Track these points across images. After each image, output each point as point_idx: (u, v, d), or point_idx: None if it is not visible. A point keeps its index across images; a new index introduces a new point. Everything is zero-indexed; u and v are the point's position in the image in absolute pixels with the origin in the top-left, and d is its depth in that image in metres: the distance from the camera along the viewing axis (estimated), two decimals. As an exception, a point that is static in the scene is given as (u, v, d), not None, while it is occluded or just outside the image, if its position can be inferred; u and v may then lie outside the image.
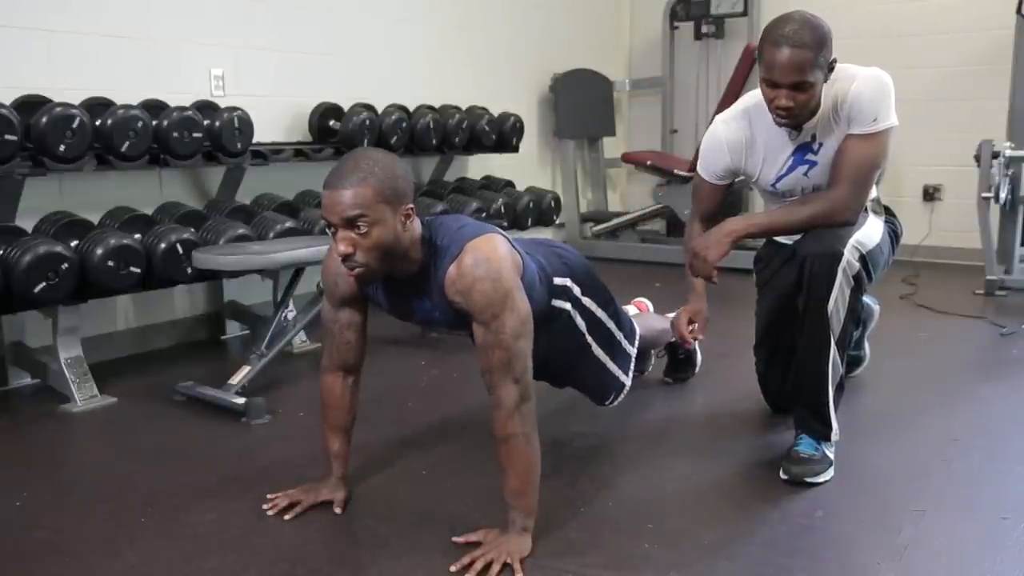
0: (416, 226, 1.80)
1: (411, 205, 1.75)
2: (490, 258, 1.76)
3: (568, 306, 2.12)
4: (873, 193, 2.33)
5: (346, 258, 1.72)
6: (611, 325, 2.27)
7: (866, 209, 2.27)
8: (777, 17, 2.09)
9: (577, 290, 2.14)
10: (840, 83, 2.13)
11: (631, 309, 2.90)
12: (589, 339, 2.20)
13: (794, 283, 2.19)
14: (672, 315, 2.81)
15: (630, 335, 2.36)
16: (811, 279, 2.11)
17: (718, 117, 2.40)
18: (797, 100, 2.06)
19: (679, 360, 2.91)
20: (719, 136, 2.33)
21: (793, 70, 2.01)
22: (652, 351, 2.88)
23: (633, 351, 2.37)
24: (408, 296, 1.90)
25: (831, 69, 2.08)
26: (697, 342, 2.90)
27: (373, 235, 1.70)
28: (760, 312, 2.57)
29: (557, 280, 2.08)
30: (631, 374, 2.37)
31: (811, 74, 2.02)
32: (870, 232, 2.22)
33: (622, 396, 2.37)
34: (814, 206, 2.17)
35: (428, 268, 1.82)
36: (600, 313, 2.22)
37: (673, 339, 2.80)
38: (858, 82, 2.12)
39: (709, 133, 2.39)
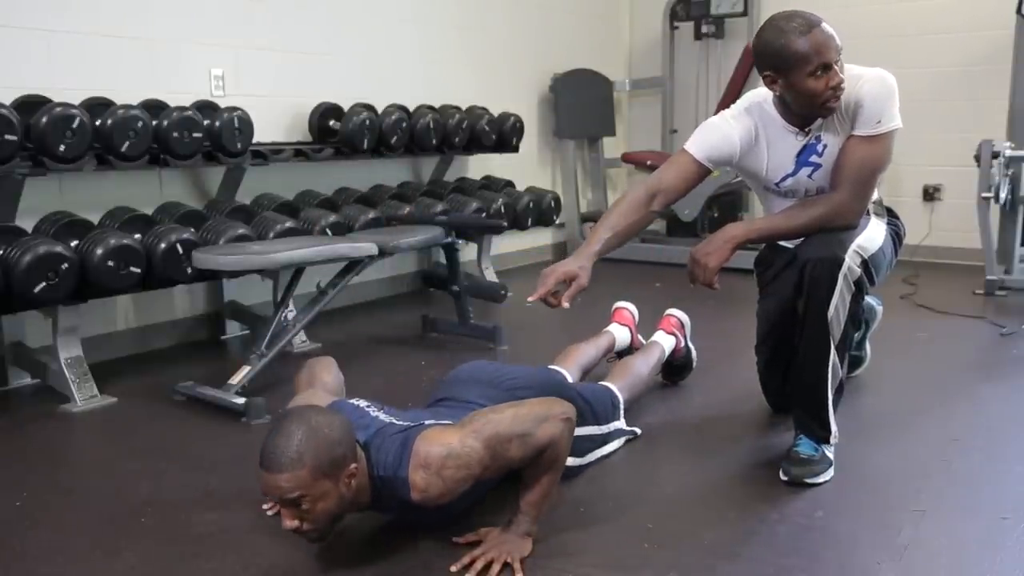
0: (362, 474, 1.71)
1: (354, 465, 1.67)
2: (428, 454, 1.68)
3: None
4: (875, 195, 2.32)
5: (295, 531, 1.66)
6: (590, 431, 2.23)
7: (868, 211, 2.25)
8: (771, 23, 2.08)
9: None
10: (845, 83, 2.12)
11: (613, 327, 2.89)
12: (572, 461, 2.10)
13: (795, 286, 2.18)
14: (656, 336, 2.80)
15: (612, 413, 2.36)
16: (811, 284, 2.10)
17: (722, 112, 2.34)
18: (841, 76, 2.06)
19: (674, 365, 2.90)
20: (732, 124, 2.26)
21: (835, 40, 2.03)
22: None
23: (620, 422, 2.39)
24: (371, 508, 1.83)
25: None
26: (690, 343, 2.91)
27: (317, 509, 1.64)
28: (761, 314, 2.56)
29: None
30: (626, 430, 2.40)
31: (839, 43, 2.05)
32: (872, 236, 2.21)
33: (637, 437, 2.43)
34: (815, 210, 2.15)
35: (379, 498, 1.75)
36: (580, 431, 2.06)
37: (666, 357, 2.79)
38: (864, 82, 2.11)
39: (719, 118, 2.31)
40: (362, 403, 1.90)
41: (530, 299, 2.06)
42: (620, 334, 2.88)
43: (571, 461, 2.13)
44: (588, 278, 2.09)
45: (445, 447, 1.68)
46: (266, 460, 1.60)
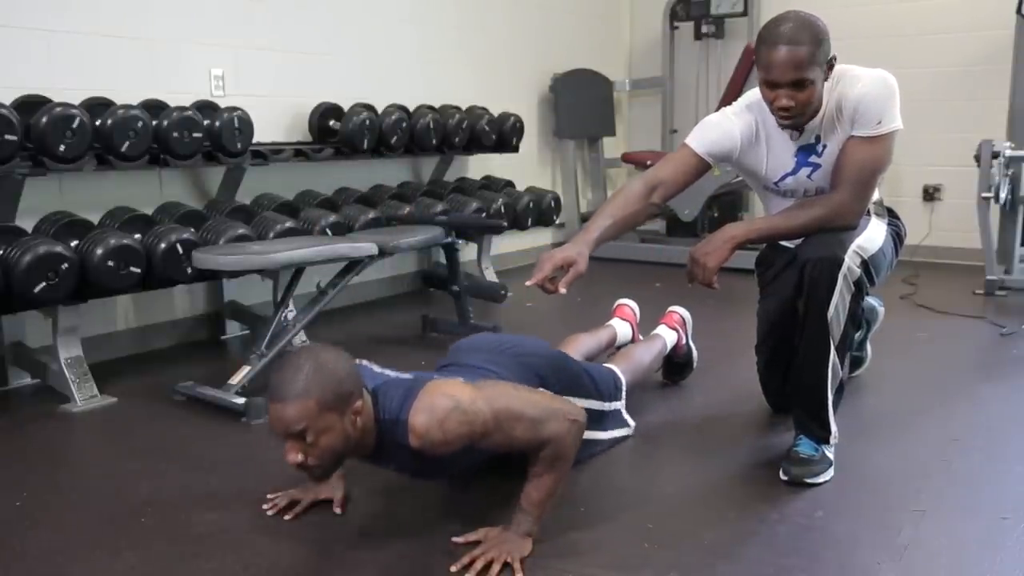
0: (368, 414, 1.74)
1: (359, 402, 1.69)
2: (434, 401, 1.70)
3: None
4: (875, 195, 2.32)
5: (298, 466, 1.68)
6: (592, 404, 2.24)
7: (868, 211, 2.25)
8: (772, 18, 2.08)
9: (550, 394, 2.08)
10: (845, 84, 2.11)
11: (615, 322, 2.90)
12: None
13: (795, 287, 2.18)
14: (659, 330, 2.81)
15: (615, 393, 2.37)
16: (811, 284, 2.10)
17: (724, 109, 2.34)
18: (797, 99, 2.04)
19: (675, 364, 2.90)
20: (734, 120, 2.27)
21: (791, 68, 2.00)
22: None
23: (622, 403, 2.39)
24: (371, 458, 1.86)
25: (831, 67, 2.08)
26: (691, 342, 2.91)
27: (322, 443, 1.66)
28: (761, 314, 2.56)
29: None
30: (626, 420, 2.41)
31: (809, 71, 2.01)
32: (872, 236, 2.21)
33: (628, 436, 2.42)
34: (815, 210, 2.15)
35: (382, 443, 1.77)
36: (578, 402, 2.15)
37: (667, 352, 2.80)
38: (863, 83, 2.10)
39: (721, 114, 2.31)
40: (373, 366, 1.92)
41: (528, 283, 2.04)
42: (622, 329, 2.89)
43: (586, 434, 2.14)
44: (586, 264, 2.06)
45: (452, 399, 1.70)
46: (274, 391, 1.64)
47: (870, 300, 2.75)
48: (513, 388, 1.83)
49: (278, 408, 1.63)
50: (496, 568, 1.72)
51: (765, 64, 2.05)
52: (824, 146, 2.19)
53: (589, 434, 2.22)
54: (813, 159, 2.22)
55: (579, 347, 2.64)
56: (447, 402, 1.69)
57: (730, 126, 2.26)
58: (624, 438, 2.42)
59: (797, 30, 2.00)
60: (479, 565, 1.73)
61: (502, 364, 2.04)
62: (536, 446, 1.76)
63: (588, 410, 2.18)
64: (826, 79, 2.08)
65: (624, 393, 2.42)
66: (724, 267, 2.21)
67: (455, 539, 1.84)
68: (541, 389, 1.99)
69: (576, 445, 1.81)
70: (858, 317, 2.17)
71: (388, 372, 1.88)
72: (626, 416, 2.43)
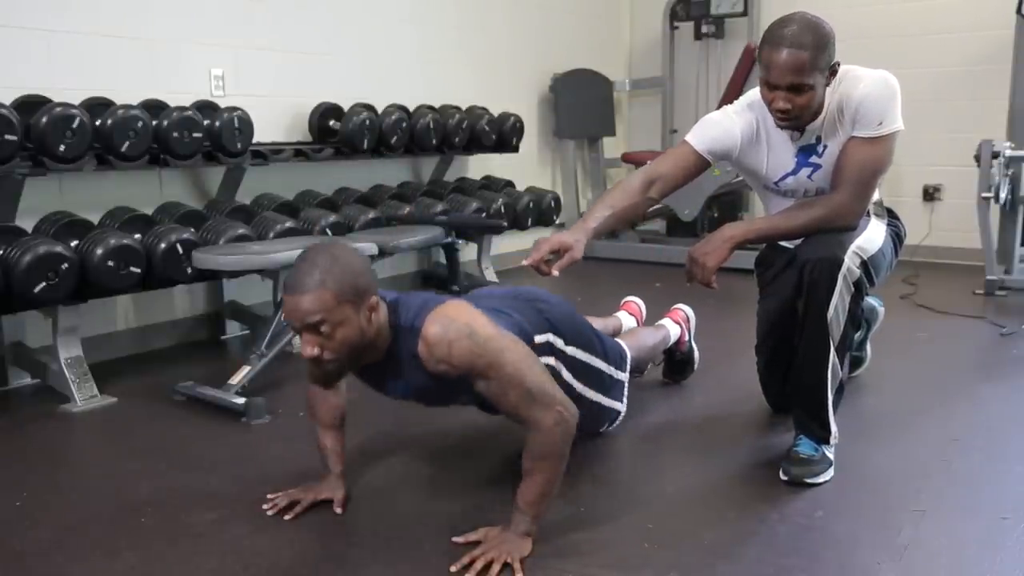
0: (383, 314, 1.77)
1: (375, 298, 1.73)
2: (454, 318, 1.74)
3: (552, 360, 2.07)
4: (875, 196, 2.32)
5: (314, 360, 1.70)
6: (598, 364, 2.24)
7: (868, 212, 2.25)
8: (778, 19, 2.07)
9: (560, 342, 2.10)
10: (846, 85, 2.11)
11: (622, 314, 2.90)
12: (579, 387, 2.16)
13: (794, 287, 2.18)
14: (663, 322, 2.81)
15: (620, 363, 2.36)
16: (811, 285, 2.10)
17: (726, 107, 2.34)
18: (795, 103, 2.04)
19: (677, 361, 2.91)
20: (734, 118, 2.27)
21: (790, 71, 2.00)
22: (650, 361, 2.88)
23: (625, 376, 2.38)
24: (379, 376, 1.90)
25: (833, 72, 2.07)
26: (694, 342, 2.91)
27: (338, 336, 1.68)
28: (761, 314, 2.56)
29: (538, 338, 2.03)
30: (625, 399, 2.39)
31: (809, 76, 2.00)
32: (872, 237, 2.21)
33: (618, 421, 2.39)
34: (815, 211, 2.15)
35: (394, 351, 1.80)
36: (585, 357, 2.18)
37: (669, 345, 2.80)
38: (864, 84, 2.10)
39: (722, 113, 2.31)
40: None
41: (524, 262, 2.07)
42: (627, 322, 2.89)
43: (587, 392, 2.18)
44: (582, 251, 2.07)
45: (469, 327, 1.72)
46: (290, 284, 1.67)
47: (870, 300, 2.75)
48: (529, 355, 1.82)
49: (295, 300, 1.66)
50: (496, 568, 1.72)
51: (765, 64, 2.05)
52: (825, 146, 2.19)
53: (594, 396, 2.23)
54: (813, 159, 2.22)
55: None
56: (463, 327, 1.72)
57: (730, 124, 2.26)
58: (616, 416, 2.36)
59: (801, 33, 1.99)
60: (479, 565, 1.73)
61: (516, 309, 2.04)
62: (520, 420, 1.77)
63: (597, 369, 2.22)
64: (828, 84, 2.07)
65: (628, 368, 2.39)
66: (724, 267, 2.21)
67: (455, 539, 1.84)
68: (552, 337, 2.04)
69: (566, 443, 1.80)
70: (858, 317, 2.17)
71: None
72: (625, 393, 2.39)
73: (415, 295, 1.86)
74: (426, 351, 1.73)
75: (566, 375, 2.12)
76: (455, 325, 1.73)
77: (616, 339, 2.47)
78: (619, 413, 2.37)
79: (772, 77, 2.04)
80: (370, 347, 1.77)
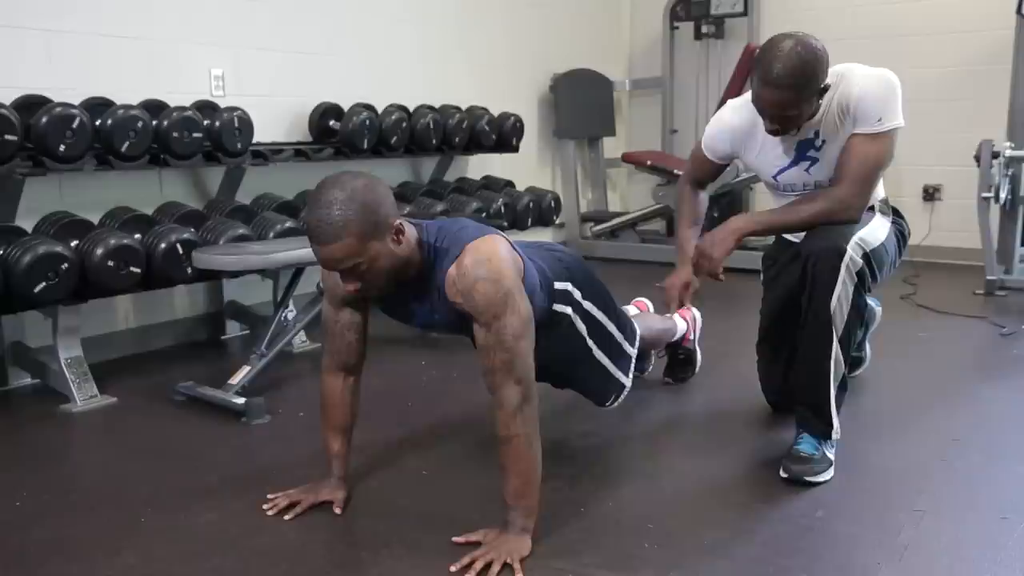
0: (410, 234, 1.79)
1: (397, 222, 1.74)
2: (491, 258, 1.75)
3: (569, 310, 2.10)
4: (881, 194, 2.35)
5: (357, 291, 1.76)
6: (611, 327, 2.25)
7: (872, 208, 2.28)
8: (772, 42, 2.07)
9: (578, 294, 2.13)
10: (846, 83, 2.13)
11: (631, 310, 2.90)
12: (590, 342, 2.18)
13: (798, 280, 2.19)
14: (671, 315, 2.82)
15: (630, 336, 2.35)
16: (814, 276, 2.12)
17: (728, 103, 2.43)
18: (784, 124, 2.12)
19: (679, 360, 2.91)
20: (724, 121, 2.38)
21: (776, 107, 2.08)
22: (652, 351, 2.88)
23: (633, 351, 2.36)
24: (408, 300, 1.91)
25: (824, 91, 2.10)
26: (698, 345, 2.92)
27: (374, 269, 1.72)
28: (765, 309, 2.58)
29: (558, 284, 2.07)
30: (631, 375, 2.36)
31: (795, 109, 2.08)
32: (875, 230, 2.23)
33: (622, 397, 2.36)
34: (817, 204, 2.17)
35: (429, 271, 1.82)
36: (600, 316, 2.20)
37: (674, 339, 2.81)
38: (865, 82, 2.13)
39: (716, 116, 2.43)
40: None
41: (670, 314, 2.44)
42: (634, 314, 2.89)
43: (597, 352, 2.20)
44: (697, 282, 2.36)
45: (499, 274, 1.74)
46: (313, 234, 1.68)
47: (867, 299, 2.75)
48: (531, 332, 1.80)
49: (322, 250, 1.68)
50: (496, 568, 1.72)
51: (755, 91, 2.10)
52: (823, 141, 2.22)
53: (602, 357, 2.22)
54: (811, 153, 2.25)
55: None
56: (494, 271, 1.73)
57: (724, 127, 2.38)
58: (621, 391, 2.32)
59: (789, 72, 2.01)
60: (479, 565, 1.73)
61: (540, 257, 2.06)
62: (489, 382, 1.78)
63: (608, 331, 2.22)
64: (820, 98, 2.11)
65: (637, 344, 2.37)
66: (725, 267, 2.22)
67: (455, 539, 1.84)
68: (570, 287, 2.08)
69: (527, 426, 1.78)
70: (861, 309, 2.17)
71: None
72: (631, 369, 2.36)
73: (455, 220, 1.89)
74: (453, 278, 1.76)
75: (580, 327, 2.13)
76: (488, 265, 1.74)
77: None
78: (624, 387, 2.33)
79: (760, 104, 2.11)
80: (405, 267, 1.80)
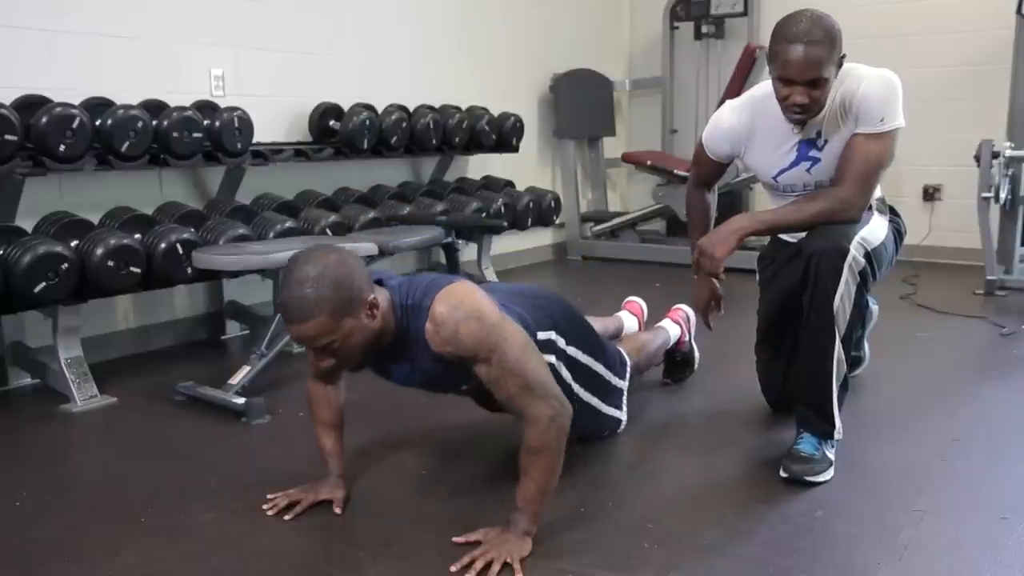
0: (385, 304, 1.77)
1: (372, 296, 1.72)
2: (463, 299, 1.74)
3: (553, 359, 2.06)
4: (878, 193, 2.34)
5: (332, 368, 1.75)
6: (598, 367, 2.24)
7: (871, 207, 2.28)
8: (787, 16, 2.09)
9: (561, 341, 2.10)
10: (849, 82, 2.14)
11: (623, 314, 2.90)
12: (576, 388, 2.16)
13: (798, 281, 2.19)
14: (663, 323, 2.82)
15: (620, 370, 2.36)
16: (817, 275, 2.11)
17: (727, 103, 2.41)
18: (812, 96, 2.08)
19: (677, 362, 2.90)
20: (724, 122, 2.37)
21: (809, 67, 2.03)
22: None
23: (624, 383, 2.38)
24: (386, 362, 1.89)
25: (840, 64, 2.10)
26: (694, 342, 2.92)
27: (348, 345, 1.71)
28: (762, 310, 2.58)
29: (541, 335, 2.03)
30: (625, 407, 2.39)
31: (825, 70, 2.04)
32: (875, 230, 2.23)
33: (620, 430, 2.40)
34: (819, 204, 2.17)
35: (404, 333, 1.80)
36: (586, 359, 2.18)
37: (669, 346, 2.80)
38: (867, 82, 2.13)
39: (714, 117, 2.42)
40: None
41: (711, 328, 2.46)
42: (629, 322, 2.89)
43: (585, 395, 2.18)
44: (719, 294, 2.40)
45: (478, 311, 1.73)
46: (285, 312, 1.67)
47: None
48: (531, 346, 1.82)
49: (296, 328, 1.67)
50: (496, 568, 1.72)
51: (783, 62, 2.06)
52: (825, 141, 2.22)
53: (592, 400, 2.23)
54: (813, 153, 2.25)
55: None
56: (471, 309, 1.72)
57: (723, 127, 2.37)
58: (617, 426, 2.38)
59: (814, 30, 2.03)
60: (479, 565, 1.73)
61: (520, 304, 2.03)
62: (514, 410, 1.77)
63: (596, 373, 2.22)
64: (835, 75, 2.11)
65: (628, 375, 2.40)
66: (725, 267, 2.22)
67: (455, 539, 1.84)
68: (555, 336, 2.04)
69: (559, 439, 1.79)
70: (863, 309, 2.18)
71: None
72: (624, 402, 2.40)
73: (423, 276, 1.87)
74: (433, 330, 1.73)
75: (565, 374, 2.11)
76: (463, 306, 1.73)
77: (616, 346, 2.47)
78: (620, 422, 2.38)
79: (790, 73, 2.06)
80: (380, 337, 1.78)
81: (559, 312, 2.16)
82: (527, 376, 1.76)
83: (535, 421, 1.76)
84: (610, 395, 2.32)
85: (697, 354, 2.94)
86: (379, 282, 1.83)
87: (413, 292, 1.80)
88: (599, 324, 2.72)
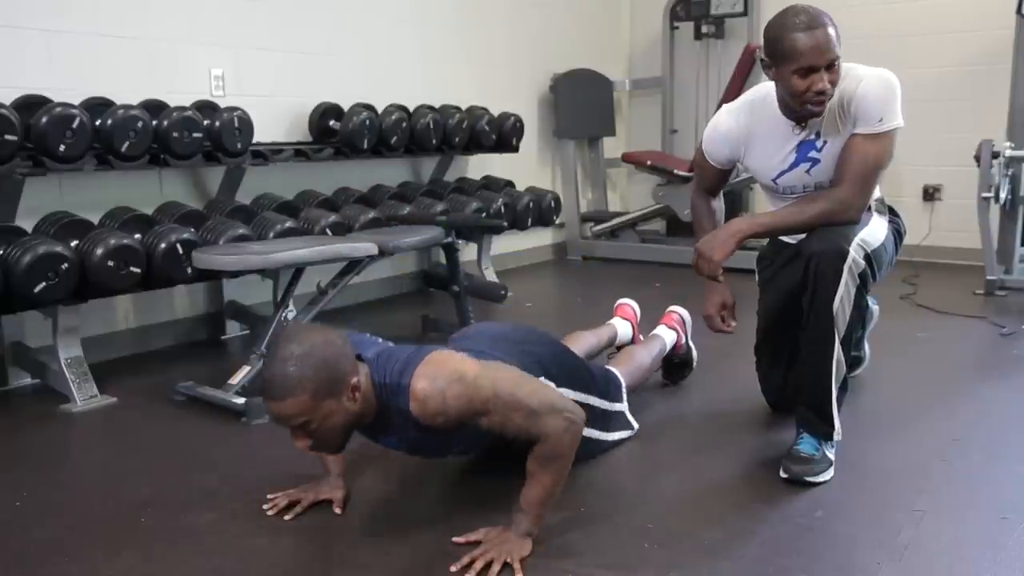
0: (365, 383, 1.73)
1: (355, 379, 1.69)
2: (439, 368, 1.70)
3: None
4: (877, 193, 2.34)
5: (308, 449, 1.70)
6: (593, 401, 2.24)
7: (869, 208, 2.28)
8: (780, 14, 2.09)
9: (552, 386, 2.06)
10: (847, 82, 2.13)
11: (616, 321, 2.90)
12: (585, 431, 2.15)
13: (798, 282, 2.19)
14: (658, 330, 2.81)
15: (615, 394, 2.36)
16: (817, 277, 2.11)
17: (724, 107, 2.41)
18: (832, 80, 2.08)
19: (675, 364, 2.90)
20: (720, 128, 2.37)
21: (828, 47, 2.04)
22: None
23: (623, 405, 2.39)
24: (370, 432, 1.87)
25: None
26: (691, 342, 2.91)
27: (326, 427, 1.67)
28: (762, 311, 2.57)
29: None
30: (631, 419, 2.40)
31: (839, 48, 2.06)
32: (874, 231, 2.23)
33: (629, 438, 2.41)
34: (818, 205, 2.17)
35: (385, 409, 1.77)
36: (581, 397, 2.15)
37: (666, 353, 2.80)
38: (865, 82, 2.13)
39: (712, 122, 2.41)
40: (377, 339, 1.92)
41: (714, 328, 2.49)
42: (622, 328, 2.89)
43: (586, 431, 2.11)
44: (730, 292, 2.46)
45: (457, 371, 1.69)
46: (267, 390, 1.64)
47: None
48: (520, 375, 1.82)
49: (275, 406, 1.64)
50: (496, 568, 1.72)
51: (800, 51, 2.04)
52: (824, 142, 2.21)
53: (594, 434, 2.23)
54: (812, 155, 2.25)
55: (580, 344, 2.64)
56: (451, 372, 1.69)
57: (722, 132, 2.37)
58: (628, 439, 2.41)
59: (817, 14, 2.06)
60: (479, 565, 1.73)
61: (507, 351, 2.03)
62: (530, 437, 1.76)
63: (592, 407, 2.20)
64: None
65: (625, 395, 2.42)
66: (724, 267, 2.22)
67: (455, 539, 1.84)
68: (544, 381, 1.99)
69: (573, 445, 1.81)
70: (863, 310, 2.18)
71: (391, 344, 1.88)
72: (630, 418, 2.43)
73: (398, 350, 1.81)
74: (419, 408, 1.69)
75: None
76: (443, 375, 1.68)
77: (607, 367, 2.47)
78: (626, 437, 2.40)
79: (811, 59, 2.04)
80: (360, 419, 1.75)
81: (548, 356, 2.15)
82: (528, 404, 1.74)
83: (551, 437, 1.76)
84: (610, 421, 2.33)
85: (695, 353, 2.94)
86: (358, 356, 1.77)
87: (390, 370, 1.74)
88: (593, 338, 2.72)
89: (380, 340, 1.92)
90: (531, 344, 2.14)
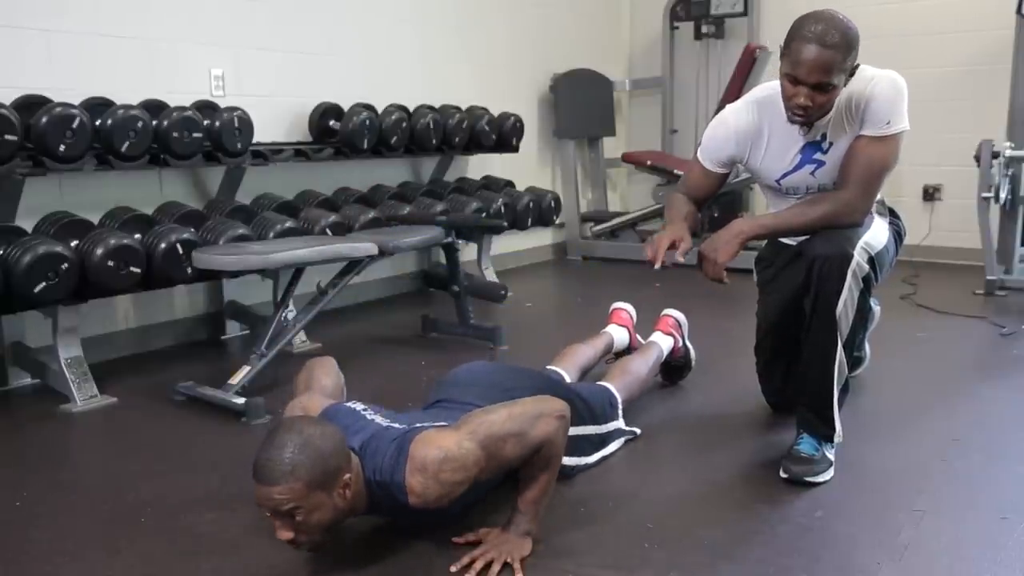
0: (358, 483, 1.71)
1: (348, 476, 1.66)
2: (427, 457, 1.66)
3: None
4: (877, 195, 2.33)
5: (290, 542, 1.66)
6: (589, 430, 2.23)
7: (871, 210, 2.27)
8: (808, 13, 2.05)
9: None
10: (855, 84, 2.11)
11: (611, 328, 2.89)
12: (571, 461, 2.13)
13: (800, 284, 2.18)
14: (654, 337, 2.81)
15: (610, 412, 2.35)
16: (820, 280, 2.10)
17: (728, 106, 2.38)
18: (816, 100, 2.04)
19: (673, 367, 2.90)
20: (729, 123, 2.31)
21: (818, 69, 1.99)
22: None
23: (619, 421, 2.38)
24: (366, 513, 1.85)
25: (852, 73, 2.07)
26: (688, 343, 2.91)
27: (313, 520, 1.64)
28: (762, 313, 2.56)
29: None
30: (625, 427, 2.40)
31: (835, 76, 2.00)
32: (877, 234, 2.22)
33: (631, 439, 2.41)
34: (822, 207, 2.16)
35: (378, 500, 1.74)
36: (575, 431, 2.09)
37: (663, 359, 2.79)
38: (873, 84, 2.11)
39: (719, 119, 2.36)
40: (358, 406, 1.89)
41: (647, 257, 2.23)
42: (618, 335, 2.88)
43: (571, 461, 2.13)
44: (690, 241, 2.25)
45: (442, 450, 1.67)
46: (259, 472, 1.59)
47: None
48: (487, 412, 1.77)
49: (266, 490, 1.59)
50: (496, 568, 1.72)
51: (793, 59, 2.02)
52: (830, 144, 2.20)
53: (588, 460, 2.23)
54: (818, 156, 2.23)
55: (576, 358, 2.63)
56: (437, 454, 1.66)
57: (727, 132, 2.32)
58: (631, 440, 2.41)
59: (831, 32, 1.98)
60: (479, 565, 1.73)
61: (494, 401, 1.97)
62: (530, 454, 1.75)
63: (586, 436, 2.20)
64: (845, 84, 2.07)
65: (621, 411, 2.40)
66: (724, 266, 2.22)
67: (455, 539, 1.84)
68: (518, 400, 1.90)
69: (565, 438, 1.79)
70: (865, 313, 2.17)
71: (377, 420, 1.84)
72: (625, 429, 2.41)
73: (382, 437, 1.76)
74: (421, 501, 1.67)
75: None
76: (431, 460, 1.65)
77: (603, 384, 2.45)
78: (632, 438, 2.40)
79: (799, 73, 2.02)
80: (347, 514, 1.73)
81: (534, 393, 2.06)
82: (512, 431, 1.72)
83: (544, 443, 1.75)
84: (608, 439, 2.32)
85: (693, 353, 2.94)
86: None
87: (380, 466, 1.71)
88: (589, 350, 2.71)
89: (359, 408, 1.87)
90: (518, 390, 2.05)
